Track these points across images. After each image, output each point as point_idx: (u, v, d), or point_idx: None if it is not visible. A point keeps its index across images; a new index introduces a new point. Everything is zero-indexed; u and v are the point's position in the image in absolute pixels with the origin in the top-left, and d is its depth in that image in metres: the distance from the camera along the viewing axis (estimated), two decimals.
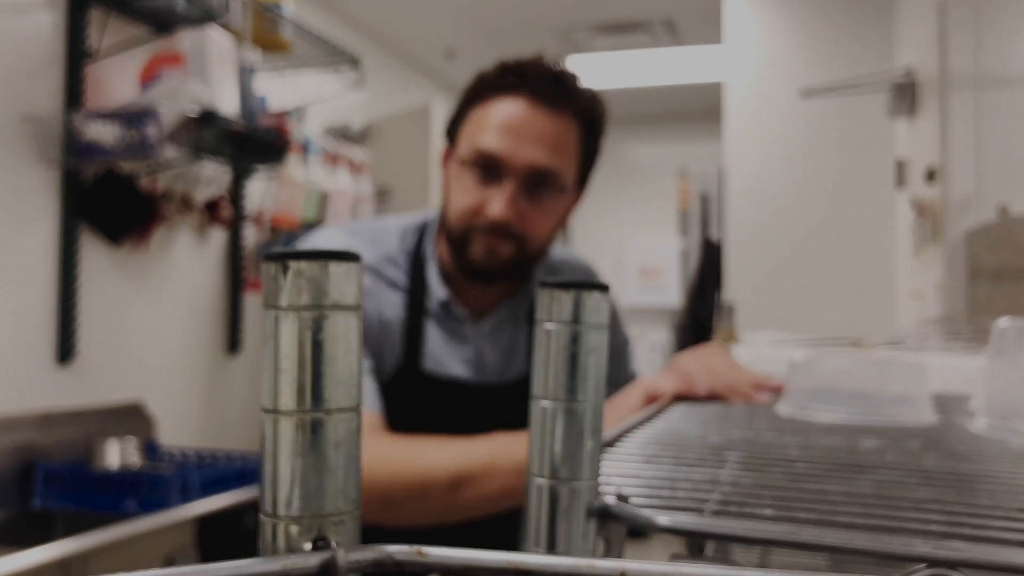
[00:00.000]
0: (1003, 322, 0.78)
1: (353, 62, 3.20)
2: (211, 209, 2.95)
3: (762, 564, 0.89)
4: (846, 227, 3.55)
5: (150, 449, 2.61)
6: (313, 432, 0.34)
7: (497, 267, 1.21)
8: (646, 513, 0.42)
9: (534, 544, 0.41)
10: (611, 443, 0.67)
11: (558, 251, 1.42)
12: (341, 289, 0.34)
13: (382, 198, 3.74)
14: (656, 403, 0.96)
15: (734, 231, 3.70)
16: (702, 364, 1.07)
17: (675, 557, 0.59)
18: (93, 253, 2.58)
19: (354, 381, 0.35)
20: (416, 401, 1.22)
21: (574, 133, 1.21)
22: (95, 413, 2.55)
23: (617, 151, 6.33)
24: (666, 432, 0.75)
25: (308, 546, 0.34)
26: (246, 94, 2.65)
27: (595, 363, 0.42)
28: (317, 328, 0.34)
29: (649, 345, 5.92)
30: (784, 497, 0.49)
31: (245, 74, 2.67)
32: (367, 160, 3.68)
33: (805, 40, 3.65)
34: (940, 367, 1.09)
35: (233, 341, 3.18)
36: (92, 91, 2.51)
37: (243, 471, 2.47)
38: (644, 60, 4.83)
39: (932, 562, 0.35)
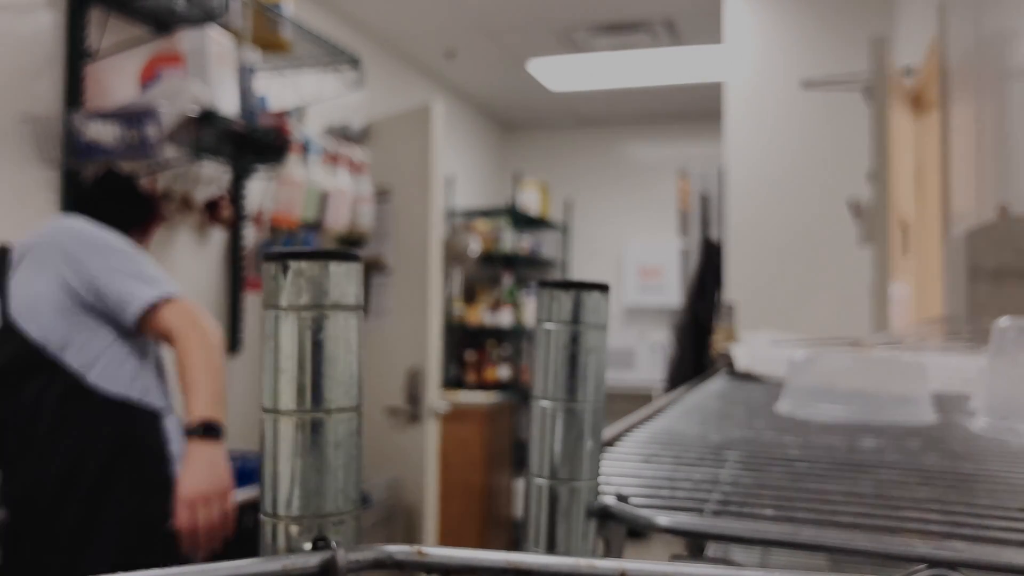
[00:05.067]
0: (1003, 322, 0.78)
1: (353, 62, 3.20)
2: (211, 209, 2.95)
3: (762, 564, 0.89)
4: (846, 227, 3.54)
5: None
6: (313, 432, 0.34)
7: None
8: (646, 513, 0.41)
9: (534, 544, 0.41)
10: (611, 443, 0.67)
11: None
12: (341, 289, 0.34)
13: (382, 198, 3.74)
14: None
15: (734, 231, 3.70)
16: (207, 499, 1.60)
17: (675, 557, 0.59)
18: None
19: (354, 381, 0.35)
20: None
21: None
22: None
23: (617, 151, 6.33)
24: (666, 431, 0.75)
25: (308, 546, 0.34)
26: (246, 94, 2.65)
27: (595, 363, 0.42)
28: (317, 328, 0.34)
29: (649, 345, 5.92)
30: (784, 497, 0.49)
31: (245, 74, 2.67)
32: (367, 160, 3.68)
33: (805, 40, 3.65)
34: (940, 367, 1.09)
35: (233, 341, 3.18)
36: (92, 91, 2.51)
37: (243, 471, 2.47)
38: (644, 60, 4.83)
39: (932, 562, 0.35)
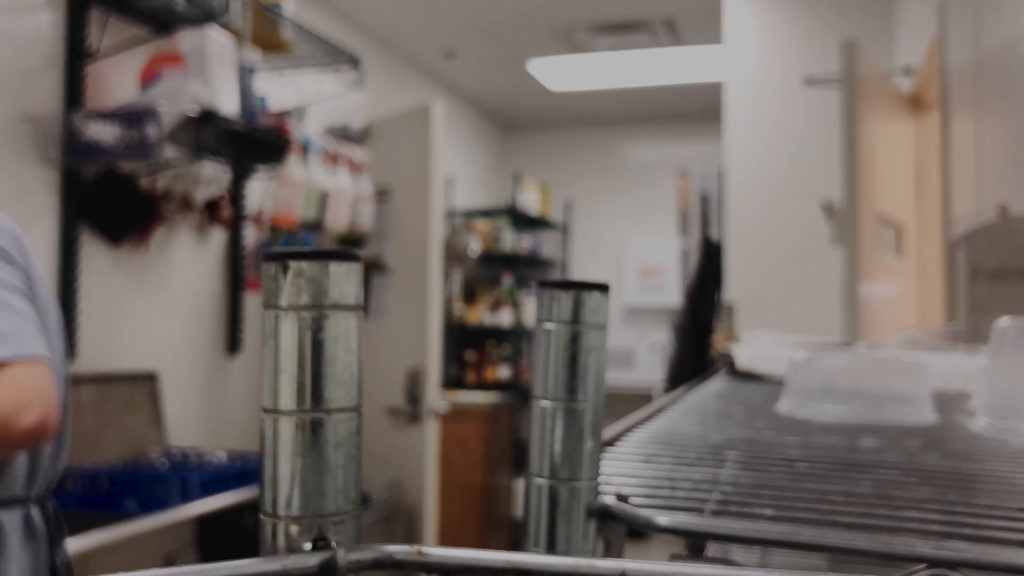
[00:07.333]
0: (1003, 322, 0.78)
1: (353, 62, 3.20)
2: (211, 209, 2.95)
3: (762, 564, 0.89)
4: None
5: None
6: (313, 432, 0.34)
7: None
8: (646, 513, 0.41)
9: (534, 544, 0.41)
10: (611, 443, 0.67)
11: None
12: (341, 289, 0.34)
13: (382, 198, 3.74)
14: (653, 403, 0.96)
15: (734, 231, 3.69)
16: None
17: (675, 557, 0.59)
18: (93, 253, 2.58)
19: (354, 381, 0.35)
20: None
21: None
22: None
23: (617, 151, 6.32)
24: (666, 431, 0.75)
25: (308, 546, 0.34)
26: (246, 94, 2.65)
27: (595, 363, 0.42)
28: (317, 328, 0.34)
29: (649, 345, 5.92)
30: (784, 497, 0.49)
31: (245, 74, 2.67)
32: (367, 160, 3.68)
33: (805, 40, 3.65)
34: (940, 366, 1.09)
35: (233, 341, 3.18)
36: (92, 91, 2.51)
37: (243, 471, 2.47)
38: (644, 60, 4.83)
39: (932, 562, 0.35)
